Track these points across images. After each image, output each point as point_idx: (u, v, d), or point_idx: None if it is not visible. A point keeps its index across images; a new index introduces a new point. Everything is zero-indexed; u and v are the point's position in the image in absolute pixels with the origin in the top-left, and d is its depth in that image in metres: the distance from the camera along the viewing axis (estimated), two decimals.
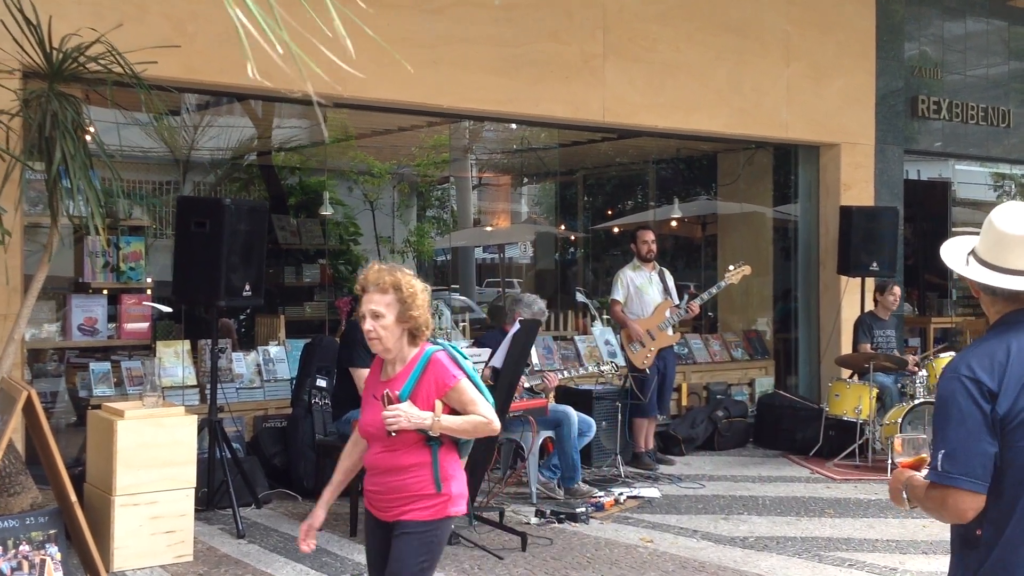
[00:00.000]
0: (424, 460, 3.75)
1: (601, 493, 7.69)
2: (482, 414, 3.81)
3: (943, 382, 2.73)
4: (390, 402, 3.71)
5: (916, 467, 2.82)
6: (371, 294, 3.78)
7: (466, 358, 3.92)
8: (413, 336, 3.82)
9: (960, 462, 2.63)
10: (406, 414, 3.68)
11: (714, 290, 9.19)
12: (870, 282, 10.36)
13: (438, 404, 3.74)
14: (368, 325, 3.77)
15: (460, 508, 3.86)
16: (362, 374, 6.92)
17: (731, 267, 9.18)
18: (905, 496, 2.81)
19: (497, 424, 3.87)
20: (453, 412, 3.80)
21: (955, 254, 2.87)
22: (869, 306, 10.13)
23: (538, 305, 7.82)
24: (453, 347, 3.93)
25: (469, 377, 3.85)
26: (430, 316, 3.86)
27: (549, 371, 8.37)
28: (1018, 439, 2.62)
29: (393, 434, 3.70)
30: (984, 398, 2.63)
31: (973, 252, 2.82)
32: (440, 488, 3.75)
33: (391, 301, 3.75)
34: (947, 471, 2.64)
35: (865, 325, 9.87)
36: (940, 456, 2.67)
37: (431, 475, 3.75)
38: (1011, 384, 2.63)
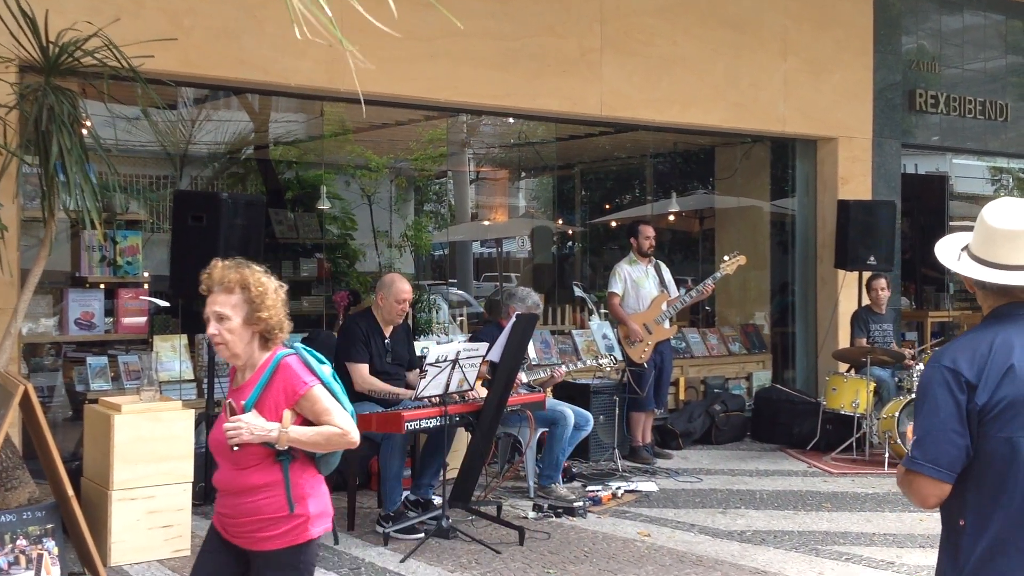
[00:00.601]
0: (275, 478, 3.42)
1: (573, 497, 7.40)
2: (337, 425, 3.45)
3: (925, 370, 2.80)
4: (233, 413, 3.40)
5: None
6: (216, 295, 3.44)
7: (323, 362, 3.57)
8: (265, 340, 3.48)
9: (927, 450, 2.70)
10: (248, 426, 3.35)
11: (710, 282, 9.19)
12: (867, 276, 10.37)
13: (287, 414, 3.40)
14: (212, 329, 3.43)
15: (321, 527, 3.52)
16: (360, 369, 6.94)
17: (726, 257, 9.18)
18: None
19: (355, 436, 3.50)
20: (307, 423, 3.46)
21: (949, 250, 2.92)
22: (866, 300, 10.14)
23: (532, 299, 7.81)
24: (308, 351, 3.58)
25: (324, 384, 3.49)
26: (285, 317, 3.52)
27: (555, 365, 8.37)
28: (997, 430, 2.66)
29: (235, 448, 3.37)
30: (960, 389, 2.68)
31: (967, 248, 2.87)
32: (293, 508, 3.41)
33: (238, 302, 3.42)
34: (914, 457, 2.72)
35: (861, 319, 9.87)
36: (911, 442, 2.76)
37: (284, 495, 3.41)
38: (991, 375, 2.67)
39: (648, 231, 9.14)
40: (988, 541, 2.67)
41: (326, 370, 3.54)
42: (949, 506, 2.74)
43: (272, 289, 3.49)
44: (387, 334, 7.17)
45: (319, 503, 3.52)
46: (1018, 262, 2.74)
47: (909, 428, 3.05)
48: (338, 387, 3.55)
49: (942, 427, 2.67)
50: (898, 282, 11.07)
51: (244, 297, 3.42)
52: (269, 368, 3.46)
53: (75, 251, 8.22)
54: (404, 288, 7.11)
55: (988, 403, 2.66)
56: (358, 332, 7.02)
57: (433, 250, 17.67)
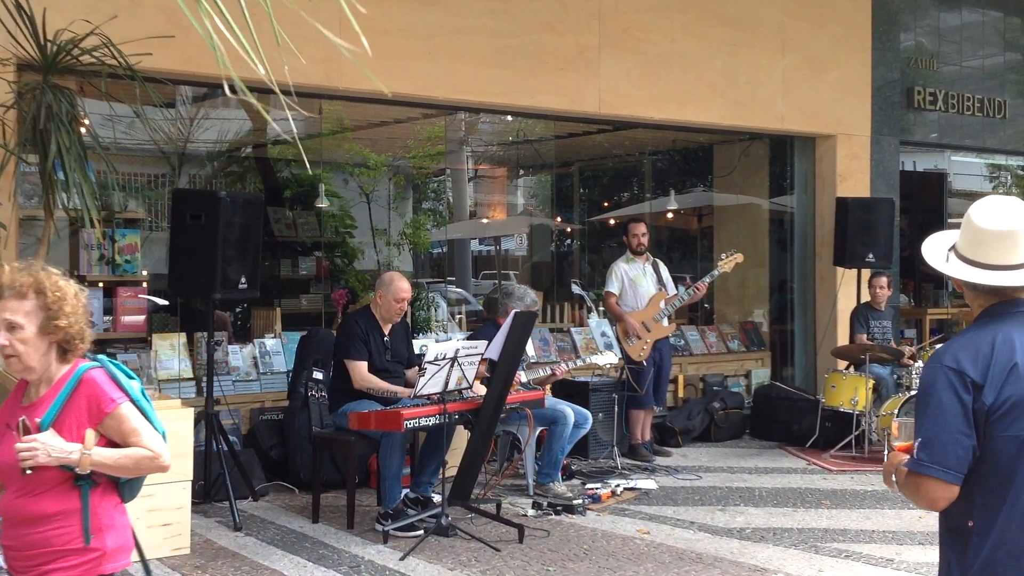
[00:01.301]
0: (71, 506, 3.04)
1: (572, 495, 7.38)
2: (147, 447, 3.10)
3: (926, 371, 2.77)
4: (27, 432, 3.01)
5: (911, 451, 2.85)
6: (6, 300, 3.04)
7: (132, 377, 3.22)
8: (64, 351, 3.11)
9: (935, 452, 2.66)
10: (45, 447, 2.96)
11: (707, 279, 9.19)
12: (866, 273, 10.37)
13: (90, 434, 3.04)
14: (2, 339, 3.03)
15: (119, 563, 3.13)
16: (359, 366, 6.93)
17: (723, 255, 9.18)
18: (894, 479, 2.83)
19: (167, 460, 3.14)
20: (113, 444, 3.11)
21: (936, 251, 2.90)
22: (865, 297, 10.14)
23: (530, 297, 7.80)
24: (115, 364, 3.22)
25: (134, 401, 3.14)
26: (87, 326, 3.15)
27: (554, 363, 8.37)
28: (1003, 429, 2.65)
29: (28, 471, 3.00)
30: (965, 389, 2.66)
31: (954, 247, 2.85)
32: (89, 540, 3.03)
33: (32, 308, 3.03)
34: (921, 460, 2.68)
35: (861, 316, 9.88)
36: (917, 444, 2.71)
37: (80, 525, 3.04)
38: (996, 375, 2.66)
39: (637, 229, 9.13)
40: (995, 540, 2.66)
41: (135, 386, 3.19)
42: (954, 507, 2.71)
43: (71, 294, 3.11)
44: (386, 332, 7.16)
45: (119, 536, 3.15)
46: (1007, 262, 2.73)
47: (895, 425, 3.00)
48: (148, 405, 3.20)
49: (948, 428, 2.65)
50: (897, 279, 11.07)
51: (39, 303, 3.04)
52: (70, 382, 3.10)
53: (73, 250, 8.21)
54: (403, 287, 7.11)
55: (995, 403, 2.64)
56: (357, 330, 7.01)
57: (431, 248, 17.68)
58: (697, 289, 8.94)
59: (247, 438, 8.06)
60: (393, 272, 7.69)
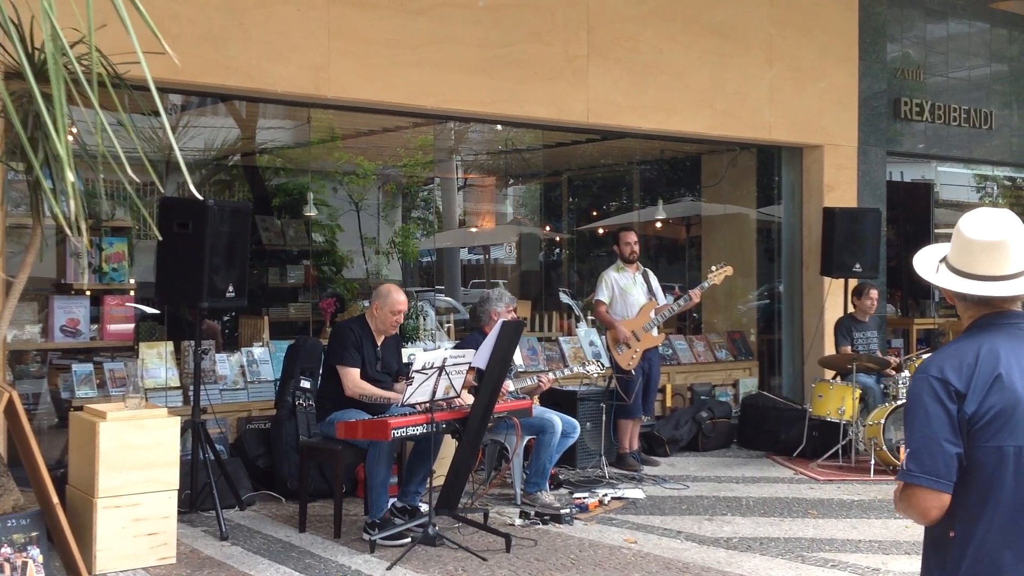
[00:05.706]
0: None
1: (559, 504, 7.41)
2: None
3: (913, 382, 2.79)
4: None
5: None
6: None
7: None
8: None
9: (923, 462, 2.68)
10: None
11: (697, 291, 9.19)
12: (853, 283, 10.41)
13: None
14: None
15: None
16: (351, 373, 6.92)
17: (713, 267, 9.19)
18: None
19: None
20: None
21: (927, 262, 2.93)
22: (852, 308, 10.17)
23: (506, 298, 7.86)
24: None
25: None
26: None
27: (541, 372, 8.37)
28: (985, 439, 2.66)
29: None
30: (950, 398, 2.68)
31: (944, 259, 2.88)
32: None
33: None
34: (911, 470, 2.70)
35: (844, 327, 9.90)
36: (906, 456, 2.73)
37: None
38: (979, 385, 2.67)
39: (628, 237, 9.15)
40: (975, 551, 2.68)
41: None
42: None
43: None
44: (379, 343, 7.15)
45: None
46: (997, 272, 2.75)
47: (902, 450, 2.99)
48: None
49: (936, 437, 2.67)
50: (884, 290, 11.11)
51: None
52: None
53: (60, 258, 8.19)
54: (400, 299, 7.09)
55: (976, 412, 2.66)
56: (350, 336, 7.00)
57: (421, 257, 17.69)
58: (691, 297, 8.93)
59: (234, 447, 8.04)
60: (390, 284, 7.68)
